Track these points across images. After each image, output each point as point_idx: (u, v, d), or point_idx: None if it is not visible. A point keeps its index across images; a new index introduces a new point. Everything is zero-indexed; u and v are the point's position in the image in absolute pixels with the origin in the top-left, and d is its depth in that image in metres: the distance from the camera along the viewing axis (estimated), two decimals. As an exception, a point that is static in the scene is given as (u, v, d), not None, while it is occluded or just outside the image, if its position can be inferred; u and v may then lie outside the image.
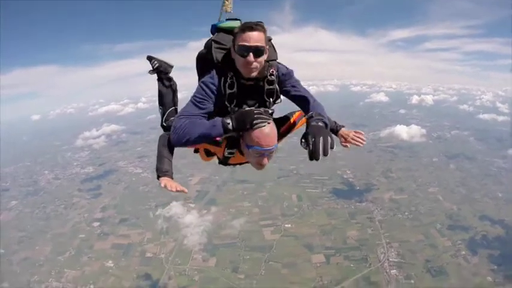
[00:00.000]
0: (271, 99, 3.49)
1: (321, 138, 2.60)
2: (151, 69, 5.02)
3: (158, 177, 3.16)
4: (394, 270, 41.94)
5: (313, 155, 2.60)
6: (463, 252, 45.42)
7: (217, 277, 42.95)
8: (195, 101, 3.24)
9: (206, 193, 63.63)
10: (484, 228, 50.84)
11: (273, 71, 3.39)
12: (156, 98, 4.94)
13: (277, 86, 3.46)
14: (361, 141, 4.07)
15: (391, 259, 43.83)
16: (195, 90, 3.36)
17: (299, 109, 3.72)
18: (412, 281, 40.48)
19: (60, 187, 77.02)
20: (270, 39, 3.46)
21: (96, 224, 57.64)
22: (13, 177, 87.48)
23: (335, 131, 4.24)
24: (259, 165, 3.15)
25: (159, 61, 5.00)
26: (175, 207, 58.01)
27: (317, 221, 52.94)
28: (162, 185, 2.97)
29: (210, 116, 3.27)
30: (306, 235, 49.45)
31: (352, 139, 4.09)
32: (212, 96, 3.26)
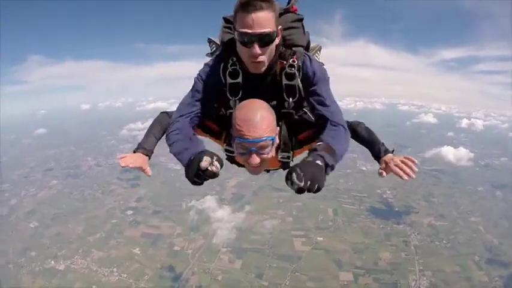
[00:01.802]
0: (291, 98, 2.76)
1: (310, 178, 1.99)
2: (210, 52, 4.30)
3: (134, 151, 2.84)
4: (424, 300, 40.09)
5: (299, 191, 2.01)
6: (499, 289, 43.02)
7: (241, 280, 42.74)
8: (189, 96, 2.83)
9: (242, 196, 63.67)
10: (525, 265, 47.79)
11: (294, 61, 2.67)
12: None
13: (299, 83, 2.72)
14: (408, 171, 2.66)
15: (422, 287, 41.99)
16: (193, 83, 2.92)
17: None
18: (443, 313, 38.53)
19: (100, 173, 79.90)
20: (300, 19, 2.84)
21: (129, 212, 59.26)
22: (57, 159, 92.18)
23: (378, 156, 3.01)
24: (249, 167, 2.50)
25: (217, 44, 4.38)
26: (209, 201, 59.04)
27: (351, 238, 51.58)
28: (124, 162, 2.62)
29: (212, 110, 2.93)
30: (338, 251, 48.23)
31: (396, 165, 2.71)
32: (206, 90, 2.76)
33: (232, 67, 2.66)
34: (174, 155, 2.55)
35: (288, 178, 2.02)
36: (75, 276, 43.75)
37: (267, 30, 2.33)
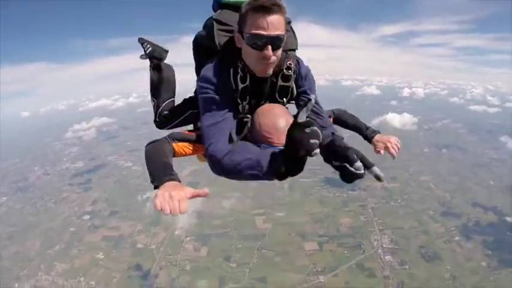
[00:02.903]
0: (284, 99, 2.81)
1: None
2: (143, 53, 4.16)
3: (156, 186, 2.13)
4: (388, 257, 41.85)
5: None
6: (457, 238, 45.73)
7: (209, 266, 42.49)
8: (210, 116, 2.53)
9: (197, 184, 62.34)
10: (476, 215, 51.16)
11: (291, 63, 2.73)
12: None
13: (293, 84, 2.80)
14: (396, 151, 3.42)
15: (384, 245, 43.79)
16: (200, 96, 2.61)
17: None
18: (407, 267, 40.45)
19: (50, 182, 76.24)
20: (289, 22, 2.80)
21: (86, 217, 57.00)
22: (3, 174, 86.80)
23: (367, 137, 3.68)
24: None
25: (152, 45, 4.13)
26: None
27: (309, 209, 52.85)
28: (160, 201, 1.91)
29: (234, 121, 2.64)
30: (299, 223, 49.25)
31: (391, 146, 3.43)
32: (225, 101, 2.55)
33: (242, 71, 2.57)
34: (270, 173, 2.25)
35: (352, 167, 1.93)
36: (43, 294, 42.13)
37: (280, 33, 2.33)
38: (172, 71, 4.17)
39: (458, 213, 51.60)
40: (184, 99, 3.61)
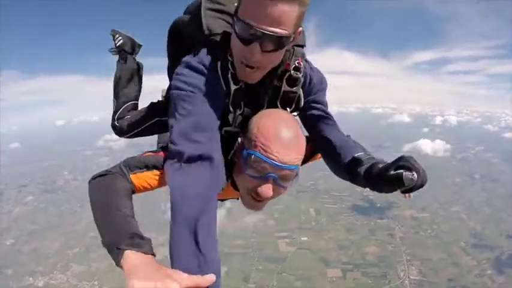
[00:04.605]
0: (288, 108, 2.02)
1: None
2: (114, 46, 3.36)
3: (115, 257, 1.36)
4: (415, 289, 40.39)
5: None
6: (489, 272, 43.78)
7: (228, 284, 41.73)
8: (189, 123, 1.68)
9: (220, 204, 62.60)
10: (510, 247, 48.86)
11: (300, 63, 1.94)
12: None
13: (300, 91, 2.02)
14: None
15: (412, 277, 42.33)
16: (173, 95, 1.77)
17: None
18: (435, 300, 38.84)
19: (77, 188, 77.71)
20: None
21: (110, 224, 57.71)
22: (32, 175, 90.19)
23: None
24: (252, 197, 1.78)
25: (125, 37, 3.36)
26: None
27: (335, 235, 51.72)
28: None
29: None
30: (323, 249, 48.17)
31: None
32: (213, 103, 1.75)
33: (234, 68, 1.80)
34: None
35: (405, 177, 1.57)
36: (54, 291, 42.46)
37: (281, 31, 1.56)
38: (140, 69, 3.41)
39: (490, 245, 49.44)
40: (152, 103, 2.89)
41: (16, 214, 64.53)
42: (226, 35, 1.83)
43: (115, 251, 1.33)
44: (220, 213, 55.05)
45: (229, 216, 54.48)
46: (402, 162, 1.60)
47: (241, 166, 1.74)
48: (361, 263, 44.95)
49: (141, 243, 1.35)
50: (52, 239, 53.75)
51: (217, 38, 1.86)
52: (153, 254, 1.35)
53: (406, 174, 1.55)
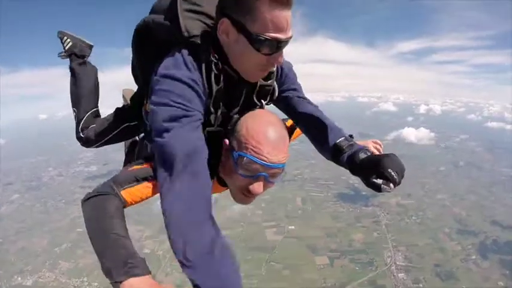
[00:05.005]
0: (263, 101, 2.08)
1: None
2: (63, 51, 3.22)
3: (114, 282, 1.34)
4: (402, 274, 40.96)
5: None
6: (473, 257, 44.63)
7: (216, 275, 42.03)
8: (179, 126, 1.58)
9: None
10: (494, 233, 49.98)
11: None
12: None
13: (275, 84, 2.11)
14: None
15: (398, 263, 42.89)
16: (158, 112, 1.61)
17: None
18: (421, 285, 39.55)
19: (62, 184, 77.60)
20: None
21: (96, 219, 57.39)
22: (17, 173, 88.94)
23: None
24: (248, 194, 1.79)
25: (74, 38, 3.20)
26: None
27: (322, 223, 52.07)
28: None
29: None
30: (310, 237, 48.48)
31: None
32: (198, 105, 1.69)
33: (217, 68, 1.76)
34: None
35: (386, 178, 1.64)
36: (44, 290, 42.27)
37: (291, 34, 1.66)
38: (95, 73, 3.27)
39: (475, 231, 50.48)
40: (118, 109, 2.83)
41: (2, 213, 63.88)
42: (206, 36, 1.80)
43: (113, 284, 1.36)
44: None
45: (216, 206, 54.49)
46: (382, 169, 1.65)
47: (231, 166, 1.79)
48: (348, 250, 45.41)
49: (135, 269, 1.35)
50: (39, 237, 53.37)
51: (198, 40, 1.80)
52: (149, 273, 1.38)
53: (384, 187, 1.64)
